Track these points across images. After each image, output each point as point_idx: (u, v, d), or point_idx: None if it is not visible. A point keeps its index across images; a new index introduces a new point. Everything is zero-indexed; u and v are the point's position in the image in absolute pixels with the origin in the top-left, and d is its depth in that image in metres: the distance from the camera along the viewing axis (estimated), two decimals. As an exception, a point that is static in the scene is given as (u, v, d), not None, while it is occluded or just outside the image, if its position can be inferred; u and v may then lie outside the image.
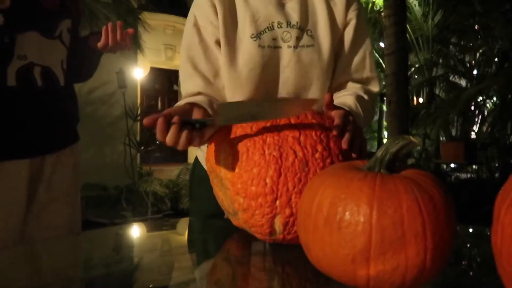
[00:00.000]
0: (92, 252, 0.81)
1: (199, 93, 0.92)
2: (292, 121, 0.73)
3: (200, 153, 1.05)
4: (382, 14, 5.01)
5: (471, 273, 0.70)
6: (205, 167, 0.91)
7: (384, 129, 7.24)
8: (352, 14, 0.96)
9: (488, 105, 7.35)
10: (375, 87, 1.01)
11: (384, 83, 4.67)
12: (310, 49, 0.92)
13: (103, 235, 1.00)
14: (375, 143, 7.87)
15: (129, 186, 5.45)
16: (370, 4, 7.16)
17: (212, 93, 0.93)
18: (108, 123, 6.10)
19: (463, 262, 0.73)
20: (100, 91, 5.82)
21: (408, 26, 5.87)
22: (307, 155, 0.69)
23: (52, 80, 1.14)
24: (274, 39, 0.91)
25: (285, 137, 0.70)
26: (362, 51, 0.98)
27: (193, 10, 0.95)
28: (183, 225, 1.08)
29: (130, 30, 1.27)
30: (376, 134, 7.81)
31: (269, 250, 0.72)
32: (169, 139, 0.69)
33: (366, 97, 0.95)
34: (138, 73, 6.29)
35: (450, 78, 7.50)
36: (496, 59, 6.77)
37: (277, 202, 0.67)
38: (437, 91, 7.35)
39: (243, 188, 0.70)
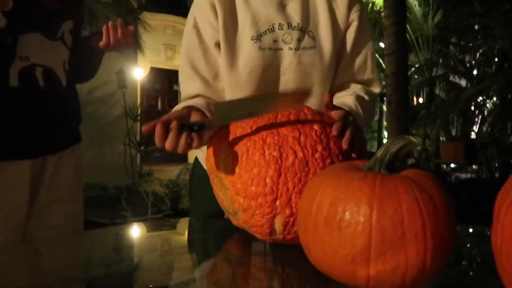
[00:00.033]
0: (92, 252, 0.81)
1: (198, 95, 0.92)
2: (293, 121, 0.73)
3: (200, 153, 1.05)
4: (382, 14, 5.01)
5: (471, 273, 0.70)
6: (205, 167, 0.91)
7: (384, 129, 7.23)
8: (354, 15, 0.95)
9: (488, 105, 7.35)
10: (376, 89, 1.01)
11: (384, 83, 4.67)
12: (311, 51, 0.91)
13: (103, 235, 1.00)
14: (375, 143, 7.87)
15: (129, 186, 5.45)
16: (370, 4, 7.16)
17: (211, 95, 0.92)
18: (108, 123, 6.10)
19: (463, 262, 0.73)
20: (100, 91, 5.82)
21: (408, 26, 5.87)
22: (307, 155, 0.69)
23: (54, 81, 1.15)
24: (275, 41, 0.90)
25: (285, 137, 0.70)
26: (364, 53, 0.98)
27: (193, 11, 0.94)
28: (183, 225, 1.08)
29: (131, 28, 1.27)
30: (376, 134, 7.81)
31: (269, 250, 0.72)
32: (168, 144, 0.69)
33: (366, 97, 0.95)
34: (138, 73, 6.29)
35: (450, 78, 7.50)
36: (496, 59, 6.77)
37: (277, 202, 0.67)
38: (437, 91, 7.35)
39: (243, 188, 0.70)
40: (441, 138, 6.81)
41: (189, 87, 0.93)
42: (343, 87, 0.99)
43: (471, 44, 7.32)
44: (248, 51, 0.90)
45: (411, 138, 0.54)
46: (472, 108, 6.93)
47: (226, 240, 0.85)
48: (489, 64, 6.92)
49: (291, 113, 0.75)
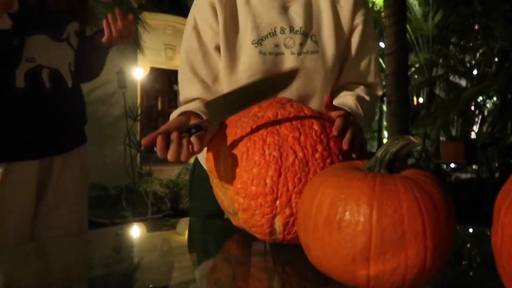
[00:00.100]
0: (92, 252, 0.81)
1: (197, 99, 0.91)
2: (293, 121, 0.73)
3: (200, 153, 1.05)
4: (382, 14, 5.01)
5: (471, 273, 0.70)
6: (205, 167, 0.91)
7: (384, 129, 7.24)
8: (359, 19, 0.93)
9: (488, 105, 7.35)
10: (378, 92, 1.01)
11: (384, 83, 4.67)
12: (314, 56, 0.89)
13: (103, 235, 1.00)
14: (375, 143, 7.87)
15: (129, 186, 5.45)
16: (370, 4, 7.16)
17: (211, 98, 0.91)
18: (108, 123, 6.09)
19: (463, 262, 0.73)
20: (100, 91, 5.81)
21: (408, 26, 5.86)
22: (307, 155, 0.69)
23: (60, 82, 1.16)
24: (277, 46, 0.88)
25: (285, 137, 0.70)
26: (368, 57, 0.96)
27: (193, 12, 0.93)
28: (183, 225, 1.08)
29: (130, 16, 1.26)
30: (376, 134, 7.81)
31: (269, 250, 0.72)
32: (170, 155, 0.68)
33: (367, 98, 0.94)
34: (138, 73, 6.29)
35: (450, 78, 7.50)
36: (496, 59, 6.77)
37: (277, 202, 0.67)
38: (437, 91, 7.35)
39: (243, 188, 0.70)
40: (441, 138, 6.81)
41: (188, 90, 0.93)
42: (344, 88, 0.98)
43: (471, 44, 7.32)
44: (248, 56, 0.88)
45: (411, 138, 0.54)
46: (472, 108, 6.94)
47: (226, 240, 0.85)
48: (489, 64, 6.92)
49: (291, 113, 0.75)
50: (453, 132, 6.89)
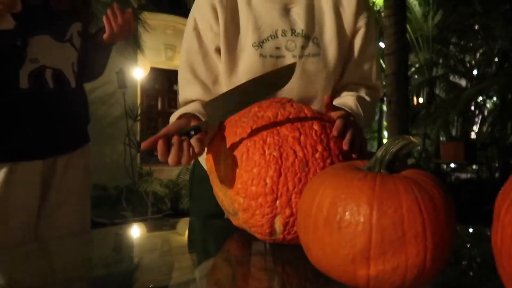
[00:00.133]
0: (92, 252, 0.81)
1: (196, 100, 0.90)
2: (293, 121, 0.73)
3: (200, 154, 1.05)
4: (382, 14, 5.01)
5: (471, 273, 0.70)
6: (205, 167, 0.91)
7: (384, 129, 7.24)
8: (362, 22, 0.92)
9: (488, 105, 7.35)
10: (378, 94, 1.00)
11: (384, 83, 4.67)
12: (315, 59, 0.89)
13: (103, 235, 1.00)
14: (375, 143, 7.87)
15: (129, 186, 5.45)
16: (370, 4, 7.15)
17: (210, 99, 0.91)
18: (108, 123, 6.09)
19: (463, 262, 0.73)
20: (100, 91, 5.81)
21: (408, 26, 5.86)
22: (307, 155, 0.69)
23: (63, 83, 1.16)
24: (278, 48, 0.87)
25: (285, 137, 0.70)
26: (370, 60, 0.96)
27: (193, 13, 0.92)
28: (183, 225, 1.08)
29: (129, 10, 1.26)
30: (376, 134, 7.81)
31: (269, 250, 0.72)
32: (171, 160, 0.68)
33: (367, 98, 0.94)
34: (138, 73, 6.29)
35: (450, 78, 7.50)
36: (496, 59, 6.78)
37: (277, 202, 0.67)
38: (437, 91, 7.35)
39: (243, 188, 0.70)
40: (441, 138, 6.81)
41: (188, 92, 0.92)
42: (345, 89, 0.97)
43: (471, 44, 7.32)
44: (248, 58, 0.88)
45: (411, 138, 0.54)
46: (472, 108, 6.94)
47: (226, 240, 0.85)
48: (489, 64, 6.93)
49: (291, 113, 0.75)
50: (453, 132, 6.89)
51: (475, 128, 7.24)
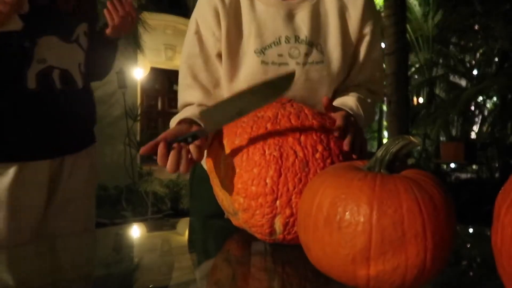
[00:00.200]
0: (92, 252, 0.81)
1: (195, 104, 0.89)
2: (293, 121, 0.73)
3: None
4: (382, 14, 5.01)
5: (471, 273, 0.70)
6: (205, 167, 0.91)
7: (384, 129, 7.23)
8: (367, 29, 0.90)
9: (488, 105, 7.35)
10: (379, 98, 1.00)
11: (384, 83, 4.66)
12: (319, 66, 0.87)
13: (103, 235, 1.00)
14: (375, 143, 7.86)
15: (129, 186, 5.45)
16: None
17: (211, 103, 0.88)
18: (108, 123, 6.09)
19: (463, 262, 0.73)
20: (100, 91, 5.80)
21: (408, 26, 5.86)
22: (308, 155, 0.69)
23: (71, 83, 1.17)
24: (281, 55, 0.85)
25: (286, 137, 0.70)
26: (373, 66, 0.95)
27: (195, 16, 0.90)
28: (183, 225, 1.08)
29: (129, 0, 1.26)
30: (376, 134, 7.80)
31: (269, 250, 0.72)
32: (169, 166, 0.68)
33: (368, 99, 0.94)
34: (138, 73, 6.29)
35: (450, 78, 7.50)
36: (496, 59, 6.77)
37: (277, 202, 0.67)
38: (437, 91, 7.35)
39: (243, 188, 0.70)
40: (441, 138, 6.81)
41: (188, 96, 0.91)
42: (346, 90, 0.96)
43: (471, 44, 7.32)
44: (249, 65, 0.86)
45: (411, 138, 0.54)
46: (472, 108, 6.94)
47: (226, 240, 0.85)
48: (489, 64, 6.92)
49: (291, 113, 0.75)
50: (453, 132, 6.89)
51: (475, 128, 7.24)
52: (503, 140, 6.09)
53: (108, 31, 1.24)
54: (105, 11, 1.22)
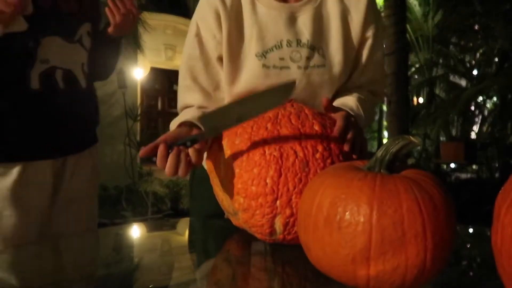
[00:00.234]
0: (92, 252, 0.81)
1: (195, 106, 0.89)
2: (293, 121, 0.73)
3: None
4: (382, 14, 5.02)
5: (471, 273, 0.70)
6: (205, 167, 0.91)
7: (384, 129, 7.23)
8: (370, 32, 0.89)
9: (488, 105, 7.35)
10: (379, 99, 1.00)
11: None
12: (320, 70, 0.86)
13: (103, 235, 1.00)
14: (375, 143, 7.86)
15: (129, 186, 5.45)
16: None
17: (211, 105, 0.89)
18: (108, 123, 6.09)
19: (463, 262, 0.73)
20: (100, 91, 5.77)
21: (408, 26, 5.86)
22: (308, 155, 0.69)
23: (74, 83, 1.17)
24: (282, 59, 0.85)
25: (286, 137, 0.70)
26: (375, 69, 0.94)
27: (196, 18, 0.89)
28: (183, 225, 1.08)
29: None
30: (376, 134, 7.80)
31: (269, 250, 0.72)
32: (168, 170, 0.67)
33: (368, 99, 0.94)
34: (138, 73, 6.28)
35: (450, 78, 7.50)
36: (496, 59, 6.77)
37: (278, 202, 0.67)
38: (437, 91, 7.34)
39: (243, 188, 0.70)
40: (441, 138, 6.81)
41: (188, 98, 0.90)
42: (347, 90, 0.96)
43: (471, 44, 7.32)
44: (250, 69, 0.85)
45: (411, 138, 0.54)
46: (472, 108, 6.94)
47: (226, 240, 0.85)
48: (489, 64, 6.92)
49: (291, 113, 0.75)
50: (453, 132, 6.89)
51: (475, 128, 7.24)
52: (503, 140, 6.09)
53: (110, 29, 1.24)
54: (106, 9, 1.22)
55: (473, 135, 7.15)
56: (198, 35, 0.88)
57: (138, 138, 6.12)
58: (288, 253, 0.70)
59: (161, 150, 0.68)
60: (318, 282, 0.58)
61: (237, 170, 0.71)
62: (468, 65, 7.31)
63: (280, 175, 0.68)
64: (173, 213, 5.24)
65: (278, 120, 0.73)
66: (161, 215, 5.09)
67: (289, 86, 0.72)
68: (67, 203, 1.20)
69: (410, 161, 5.70)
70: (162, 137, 0.71)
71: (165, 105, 8.22)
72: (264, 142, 0.71)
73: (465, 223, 0.87)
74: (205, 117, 0.74)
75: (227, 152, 0.75)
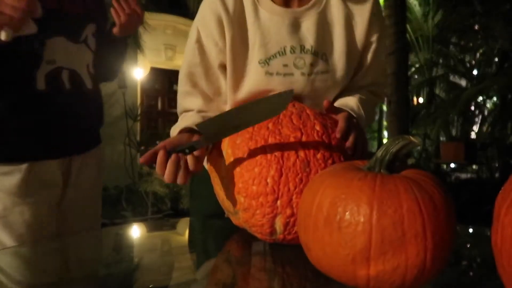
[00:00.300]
0: (92, 252, 0.81)
1: (195, 111, 0.88)
2: (295, 121, 0.73)
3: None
4: (382, 14, 5.02)
5: (471, 273, 0.70)
6: (206, 166, 0.91)
7: (384, 129, 7.23)
8: (374, 38, 0.88)
9: (488, 105, 7.36)
10: (380, 100, 1.00)
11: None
12: (324, 76, 0.85)
13: (103, 235, 1.00)
14: (375, 143, 7.86)
15: (129, 186, 5.44)
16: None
17: (212, 110, 0.88)
18: (108, 123, 6.05)
19: (463, 262, 0.73)
20: (100, 91, 5.81)
21: (408, 26, 5.86)
22: (309, 156, 0.69)
23: (79, 84, 1.18)
24: (285, 66, 0.83)
25: (287, 137, 0.70)
26: (378, 71, 0.94)
27: (197, 24, 0.87)
28: (183, 225, 1.09)
29: None
30: (376, 134, 7.80)
31: (269, 250, 0.72)
32: (167, 176, 0.68)
33: (368, 99, 0.94)
34: (138, 73, 6.28)
35: (450, 78, 7.50)
36: (496, 59, 6.78)
37: (278, 202, 0.67)
38: (437, 91, 7.35)
39: (244, 187, 0.70)
40: (441, 138, 6.81)
41: (187, 102, 0.90)
42: (347, 91, 0.95)
43: (471, 44, 7.32)
44: (254, 76, 0.84)
45: (411, 138, 0.54)
46: (472, 108, 6.94)
47: (226, 240, 0.85)
48: (489, 64, 6.93)
49: (293, 113, 0.75)
50: (453, 132, 6.89)
51: (475, 128, 7.24)
52: (503, 140, 6.09)
53: (115, 30, 1.24)
54: (111, 10, 1.22)
55: (473, 135, 7.15)
56: (199, 42, 0.86)
57: (138, 138, 6.11)
58: (288, 253, 0.70)
59: (160, 156, 0.68)
60: (318, 282, 0.58)
61: (238, 169, 0.71)
62: (468, 65, 7.31)
63: (281, 175, 0.68)
64: (173, 213, 5.23)
65: (279, 120, 0.73)
66: (161, 215, 5.09)
67: (287, 95, 0.71)
68: (72, 203, 1.20)
69: (410, 161, 5.70)
70: (161, 144, 0.71)
71: (165, 105, 8.21)
72: (265, 142, 0.71)
73: (465, 223, 0.87)
74: (204, 125, 0.73)
75: (228, 151, 0.75)
